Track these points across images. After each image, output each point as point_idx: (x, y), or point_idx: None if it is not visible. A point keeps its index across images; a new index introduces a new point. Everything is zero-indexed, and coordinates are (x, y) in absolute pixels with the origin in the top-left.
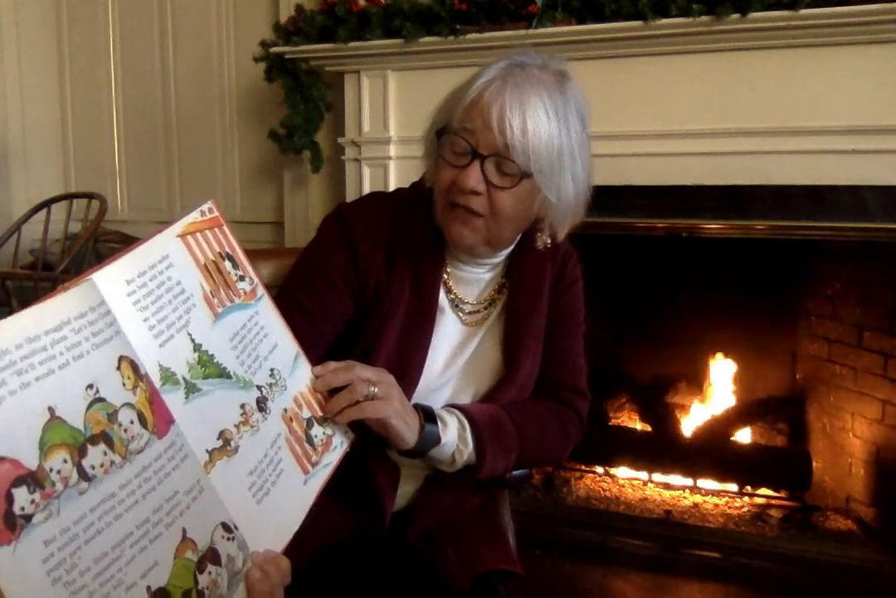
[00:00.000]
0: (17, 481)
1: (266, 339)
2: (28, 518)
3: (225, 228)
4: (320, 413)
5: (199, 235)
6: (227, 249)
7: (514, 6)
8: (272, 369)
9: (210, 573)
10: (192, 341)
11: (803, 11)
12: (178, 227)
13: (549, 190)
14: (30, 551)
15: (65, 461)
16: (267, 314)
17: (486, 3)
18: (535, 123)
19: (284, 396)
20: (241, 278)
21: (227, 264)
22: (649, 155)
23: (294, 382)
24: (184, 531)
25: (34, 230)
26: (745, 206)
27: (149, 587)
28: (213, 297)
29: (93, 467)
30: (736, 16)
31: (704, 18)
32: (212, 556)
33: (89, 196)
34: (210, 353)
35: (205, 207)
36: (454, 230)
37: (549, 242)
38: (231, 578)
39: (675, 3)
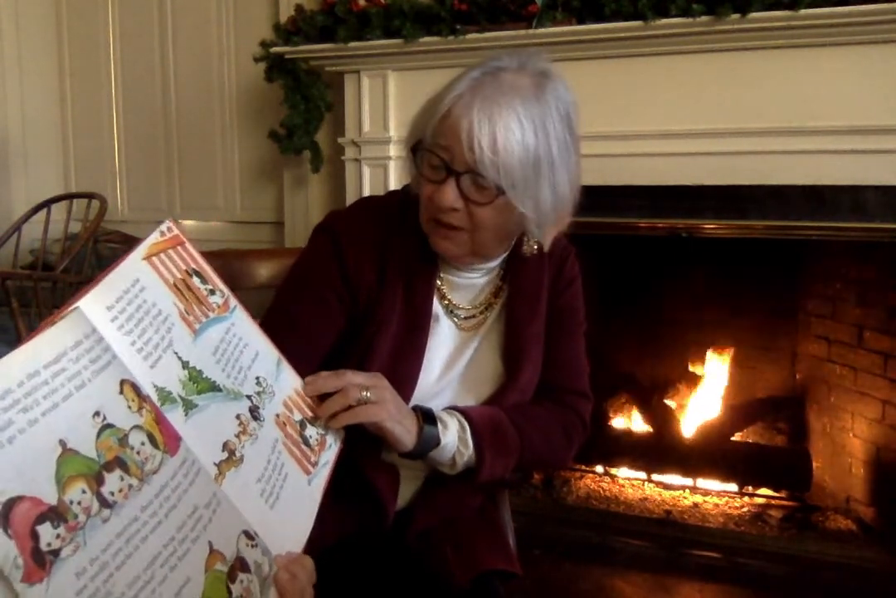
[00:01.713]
0: (40, 518)
1: (247, 349)
2: (56, 553)
3: (187, 245)
4: (310, 414)
5: (163, 255)
6: (193, 266)
7: (514, 6)
8: (258, 378)
9: (242, 581)
10: (180, 359)
11: (803, 11)
12: (141, 250)
13: (524, 204)
14: (62, 585)
15: (84, 492)
16: (243, 325)
17: (486, 3)
18: (505, 137)
19: (274, 402)
20: (212, 292)
21: (196, 280)
22: (649, 155)
23: (280, 387)
24: (210, 544)
25: (34, 230)
26: (745, 206)
27: None
28: (188, 314)
29: (112, 494)
30: (736, 16)
31: (704, 18)
32: (240, 565)
33: (89, 196)
34: (198, 369)
35: (164, 227)
36: (439, 245)
37: (535, 248)
38: (262, 583)
39: (675, 3)
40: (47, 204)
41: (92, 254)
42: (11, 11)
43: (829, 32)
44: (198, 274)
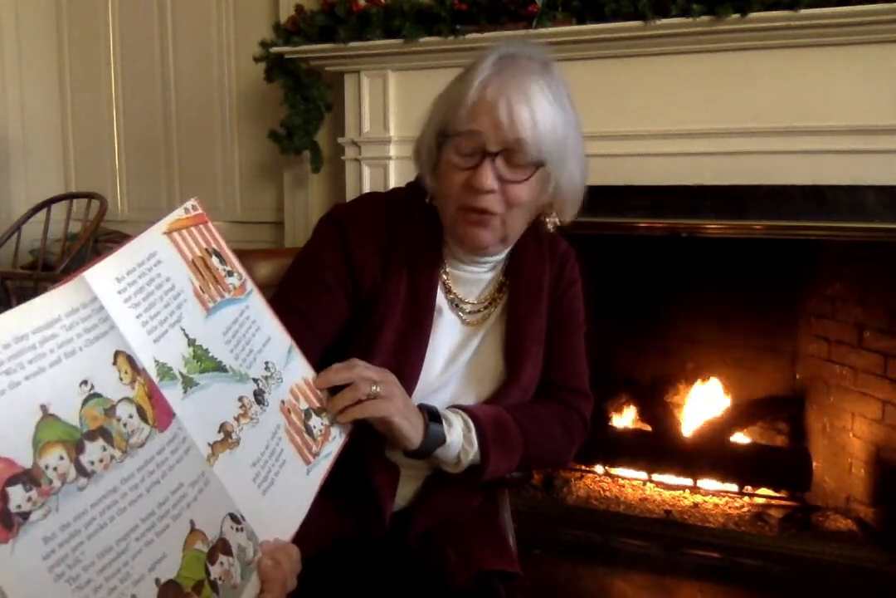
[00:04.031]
0: (12, 480)
1: (259, 333)
2: (25, 516)
3: (210, 224)
4: (317, 404)
5: (184, 231)
6: (214, 246)
7: (514, 6)
8: (267, 362)
9: (222, 563)
10: (186, 336)
11: (803, 11)
12: (163, 224)
13: (561, 176)
14: (29, 548)
15: (61, 458)
16: (258, 309)
17: (486, 3)
18: (542, 112)
19: (281, 388)
20: (230, 274)
21: (215, 260)
22: (649, 155)
23: (289, 374)
24: (192, 522)
25: (34, 230)
26: (745, 206)
27: (157, 580)
28: (203, 292)
29: (92, 463)
30: (736, 16)
31: (704, 18)
32: (223, 547)
33: (89, 196)
34: (204, 347)
35: (188, 204)
36: (472, 234)
37: (557, 222)
38: (244, 568)
39: (675, 3)
40: (47, 204)
41: (92, 254)
42: (11, 11)
43: (829, 32)
44: (217, 254)
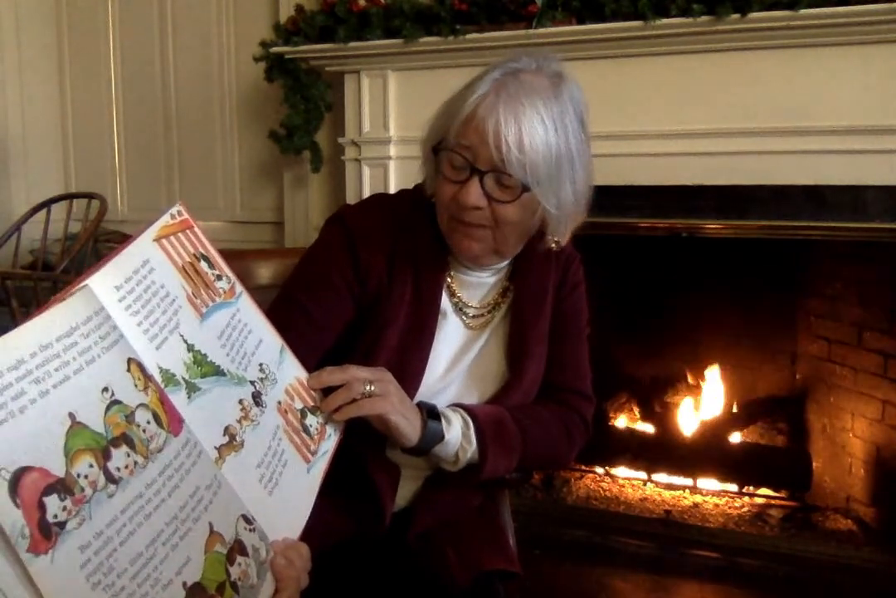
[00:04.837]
0: (48, 490)
1: (251, 335)
2: (62, 525)
3: (196, 229)
4: (311, 403)
5: (172, 238)
6: (201, 250)
7: (514, 6)
8: (261, 364)
9: (240, 564)
10: (185, 341)
11: (803, 11)
12: (152, 231)
13: (548, 200)
14: (67, 557)
15: (91, 466)
16: (248, 311)
17: (486, 3)
18: (531, 136)
19: (276, 389)
20: (219, 278)
21: (204, 265)
22: (649, 155)
23: (283, 375)
24: (210, 525)
25: (34, 230)
26: (745, 206)
27: (184, 583)
28: (195, 298)
29: (118, 470)
30: (736, 16)
31: (704, 18)
32: (239, 548)
33: (89, 196)
34: (203, 352)
35: (174, 210)
36: (462, 245)
37: (554, 244)
38: (259, 567)
39: (675, 3)
40: (47, 204)
41: (92, 254)
42: (11, 12)
43: (829, 32)
44: (205, 259)
